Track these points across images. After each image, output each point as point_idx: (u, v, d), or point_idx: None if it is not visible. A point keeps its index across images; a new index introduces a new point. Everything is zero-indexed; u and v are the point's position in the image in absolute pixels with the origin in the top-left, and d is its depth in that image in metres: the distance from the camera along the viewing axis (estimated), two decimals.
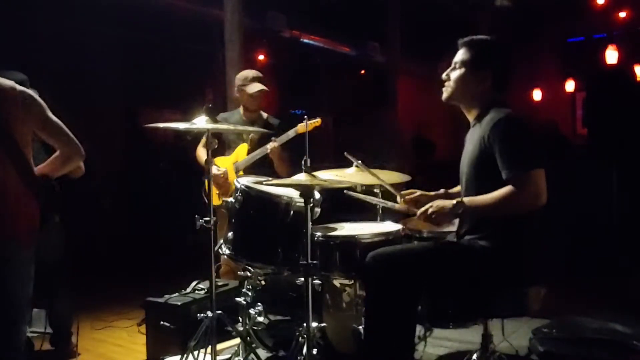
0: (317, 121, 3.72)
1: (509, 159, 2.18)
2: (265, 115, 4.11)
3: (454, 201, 2.23)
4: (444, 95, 2.46)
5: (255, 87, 3.94)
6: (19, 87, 2.31)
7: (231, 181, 3.81)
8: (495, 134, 2.23)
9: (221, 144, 4.03)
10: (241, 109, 4.10)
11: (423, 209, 2.28)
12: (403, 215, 2.78)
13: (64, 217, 3.45)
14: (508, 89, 2.42)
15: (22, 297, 2.32)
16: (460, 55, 2.42)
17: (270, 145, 3.78)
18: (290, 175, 3.82)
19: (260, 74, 4.06)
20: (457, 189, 2.63)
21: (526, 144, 2.22)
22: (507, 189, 2.16)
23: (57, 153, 2.43)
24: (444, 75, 2.45)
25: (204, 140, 4.03)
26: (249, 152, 3.95)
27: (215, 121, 2.73)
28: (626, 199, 5.83)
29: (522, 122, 2.30)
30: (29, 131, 2.30)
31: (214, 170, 3.85)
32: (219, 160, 4.01)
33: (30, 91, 2.37)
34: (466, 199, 2.25)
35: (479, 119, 2.38)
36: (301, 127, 3.71)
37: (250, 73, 4.04)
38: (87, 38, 6.30)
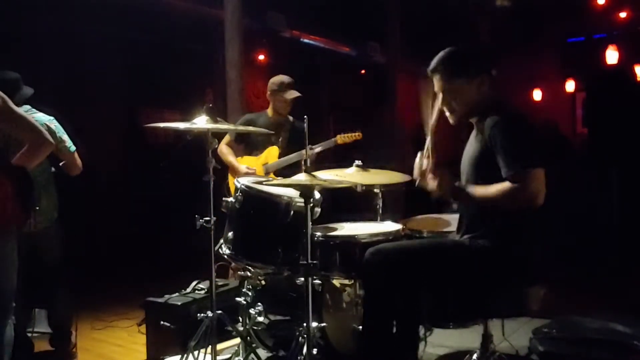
0: (357, 134, 3.93)
1: (509, 157, 2.18)
2: (291, 119, 4.18)
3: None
4: (453, 120, 2.44)
5: (292, 94, 4.03)
6: None
7: None
8: (496, 133, 2.23)
9: (248, 144, 4.08)
10: (269, 111, 4.17)
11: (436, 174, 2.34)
12: (403, 215, 2.79)
13: (64, 216, 3.47)
14: (499, 81, 2.42)
15: (3, 288, 2.34)
16: (443, 79, 2.37)
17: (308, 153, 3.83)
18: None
19: (293, 80, 4.12)
20: None
21: (526, 142, 2.22)
22: (507, 184, 2.17)
23: (27, 145, 2.44)
24: (440, 106, 2.42)
25: (227, 138, 4.08)
26: (280, 156, 4.00)
27: (216, 121, 2.73)
28: (626, 199, 5.84)
29: (523, 120, 2.31)
30: None
31: (244, 169, 3.90)
32: (246, 160, 4.05)
33: None
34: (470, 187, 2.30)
35: (480, 120, 2.38)
36: (340, 138, 3.90)
37: (285, 79, 4.11)
38: (87, 38, 6.29)
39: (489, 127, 2.26)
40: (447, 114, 2.43)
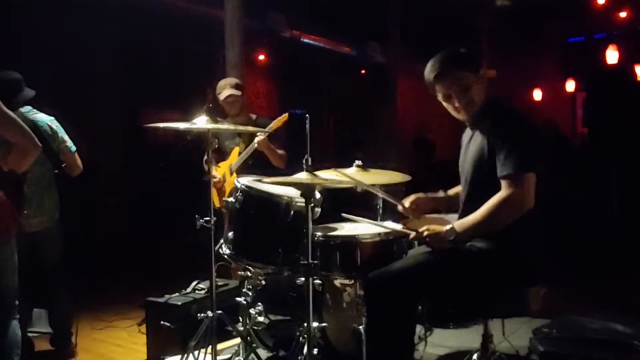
0: (284, 116, 3.75)
1: (508, 157, 2.18)
2: (254, 116, 4.15)
3: (447, 227, 2.25)
4: (464, 117, 2.40)
5: (224, 94, 4.00)
6: None
7: (229, 183, 3.85)
8: (498, 132, 2.24)
9: (221, 152, 4.11)
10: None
11: (419, 231, 2.30)
12: (402, 215, 2.78)
13: (64, 216, 3.47)
14: (499, 81, 2.42)
15: (6, 288, 2.35)
16: (453, 79, 2.33)
17: (257, 139, 3.81)
18: (286, 161, 3.87)
19: (233, 81, 4.10)
20: (456, 189, 2.62)
21: (527, 144, 2.22)
22: (495, 198, 2.18)
23: (14, 148, 2.43)
24: (451, 110, 2.40)
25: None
26: (240, 154, 4.00)
27: (216, 121, 2.73)
28: (626, 199, 5.84)
29: (525, 120, 2.31)
30: None
31: (214, 175, 3.93)
32: (220, 166, 4.08)
33: None
34: (457, 224, 2.26)
35: (479, 118, 2.37)
36: (274, 124, 3.74)
37: (222, 82, 4.10)
38: (87, 38, 6.29)
39: (490, 126, 2.26)
40: (455, 113, 2.41)
